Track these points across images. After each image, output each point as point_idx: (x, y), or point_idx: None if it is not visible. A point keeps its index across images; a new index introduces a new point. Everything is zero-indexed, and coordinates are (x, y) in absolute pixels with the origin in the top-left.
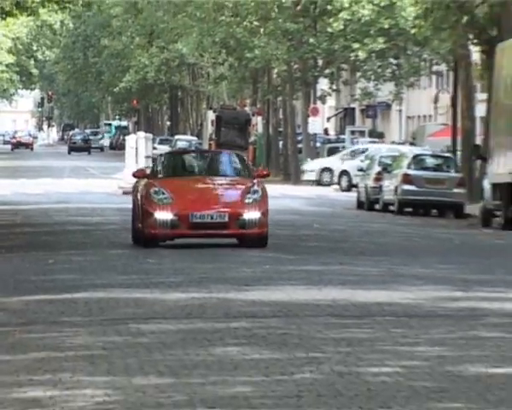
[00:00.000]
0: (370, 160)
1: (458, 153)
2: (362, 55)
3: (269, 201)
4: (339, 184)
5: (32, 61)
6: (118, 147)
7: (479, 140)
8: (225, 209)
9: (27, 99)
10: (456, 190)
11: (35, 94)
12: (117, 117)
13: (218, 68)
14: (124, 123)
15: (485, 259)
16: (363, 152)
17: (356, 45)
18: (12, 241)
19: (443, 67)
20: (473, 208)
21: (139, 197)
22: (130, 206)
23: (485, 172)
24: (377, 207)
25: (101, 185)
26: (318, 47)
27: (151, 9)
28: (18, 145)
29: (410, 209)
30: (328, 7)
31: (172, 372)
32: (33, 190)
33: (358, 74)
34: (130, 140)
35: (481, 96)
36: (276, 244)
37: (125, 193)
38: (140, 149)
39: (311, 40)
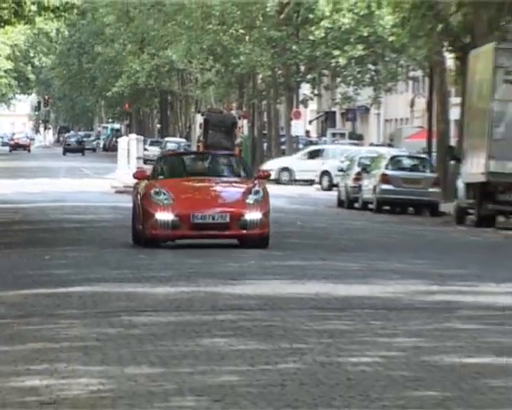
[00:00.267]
0: (350, 161)
1: (433, 154)
2: (342, 61)
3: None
4: (320, 183)
5: (30, 67)
6: (110, 148)
7: (453, 142)
8: (226, 210)
9: (25, 103)
10: (431, 190)
11: (32, 98)
12: (110, 120)
13: (205, 74)
14: (116, 126)
15: (459, 254)
16: (318, 152)
17: (336, 52)
18: (11, 238)
19: (419, 73)
20: (447, 207)
21: (139, 198)
22: (123, 204)
23: (458, 172)
24: (357, 205)
25: (94, 185)
26: (301, 54)
27: (142, 18)
28: (16, 147)
29: (387, 207)
30: (310, 15)
31: (163, 362)
32: (31, 190)
33: (339, 80)
34: (122, 142)
35: (455, 100)
36: None
37: (117, 192)
38: (132, 150)
39: (294, 47)
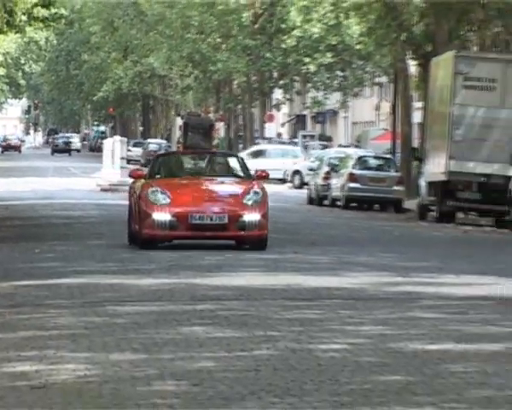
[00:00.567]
0: (320, 161)
1: (398, 155)
2: (312, 68)
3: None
4: (292, 182)
5: (20, 74)
6: (96, 149)
7: (416, 143)
8: (225, 211)
9: (16, 107)
10: (395, 188)
11: (23, 102)
12: (95, 123)
13: (184, 80)
14: (102, 128)
15: (421, 248)
16: (260, 152)
17: (307, 59)
18: (3, 232)
19: (384, 79)
20: (410, 204)
21: (136, 198)
22: (108, 201)
23: (421, 171)
24: (326, 202)
25: (81, 183)
26: (274, 61)
27: (126, 28)
28: (7, 148)
29: (355, 204)
30: (283, 25)
31: (145, 349)
32: (22, 188)
33: (309, 85)
34: (107, 143)
35: (418, 104)
36: None
37: (102, 190)
38: (116, 151)
39: (268, 55)
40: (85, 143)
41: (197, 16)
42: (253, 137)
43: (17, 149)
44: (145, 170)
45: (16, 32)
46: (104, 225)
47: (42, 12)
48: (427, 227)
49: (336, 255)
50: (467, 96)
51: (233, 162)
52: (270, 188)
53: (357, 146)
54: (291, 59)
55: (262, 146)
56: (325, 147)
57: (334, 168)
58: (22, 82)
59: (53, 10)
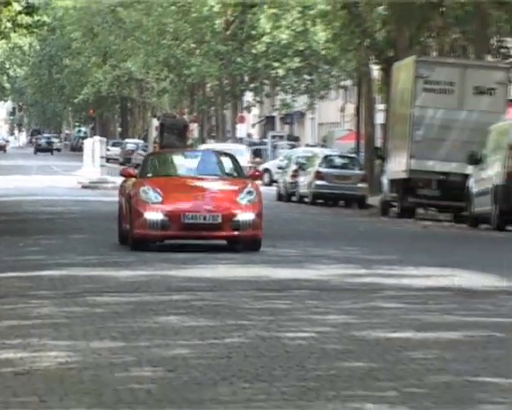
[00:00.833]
0: (288, 159)
1: (361, 154)
2: (281, 72)
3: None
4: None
5: (5, 77)
6: (77, 149)
7: (378, 143)
8: (218, 210)
9: (1, 109)
10: (359, 185)
11: (8, 105)
12: (76, 124)
13: (160, 83)
14: (83, 129)
15: (383, 242)
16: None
17: (276, 64)
18: None
19: (348, 82)
20: (373, 200)
21: (127, 197)
22: (88, 198)
23: (383, 169)
24: (294, 199)
25: (63, 181)
26: (245, 65)
27: (105, 34)
28: None
29: (321, 201)
30: (253, 32)
31: (123, 337)
32: (7, 186)
33: (278, 88)
34: (87, 143)
35: (380, 106)
36: None
37: (83, 187)
38: (96, 150)
39: (239, 60)
40: (67, 143)
41: (172, 23)
42: (225, 138)
43: (2, 148)
44: (136, 169)
45: (1, 38)
46: (85, 220)
47: (26, 19)
48: (389, 222)
49: (304, 249)
50: (427, 99)
51: (226, 161)
52: None
53: (323, 146)
54: (261, 63)
55: (209, 145)
56: (293, 146)
57: (301, 167)
58: (7, 85)
59: (36, 18)
